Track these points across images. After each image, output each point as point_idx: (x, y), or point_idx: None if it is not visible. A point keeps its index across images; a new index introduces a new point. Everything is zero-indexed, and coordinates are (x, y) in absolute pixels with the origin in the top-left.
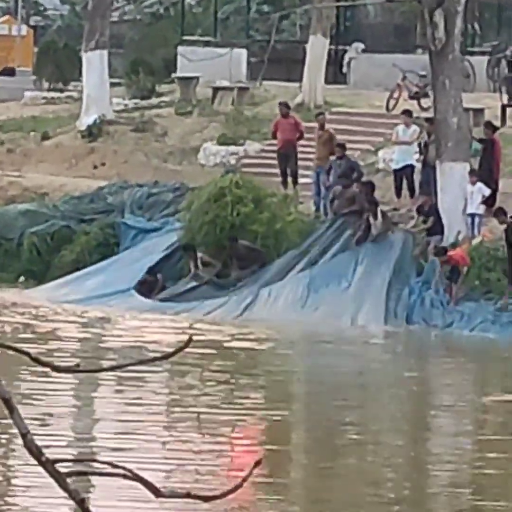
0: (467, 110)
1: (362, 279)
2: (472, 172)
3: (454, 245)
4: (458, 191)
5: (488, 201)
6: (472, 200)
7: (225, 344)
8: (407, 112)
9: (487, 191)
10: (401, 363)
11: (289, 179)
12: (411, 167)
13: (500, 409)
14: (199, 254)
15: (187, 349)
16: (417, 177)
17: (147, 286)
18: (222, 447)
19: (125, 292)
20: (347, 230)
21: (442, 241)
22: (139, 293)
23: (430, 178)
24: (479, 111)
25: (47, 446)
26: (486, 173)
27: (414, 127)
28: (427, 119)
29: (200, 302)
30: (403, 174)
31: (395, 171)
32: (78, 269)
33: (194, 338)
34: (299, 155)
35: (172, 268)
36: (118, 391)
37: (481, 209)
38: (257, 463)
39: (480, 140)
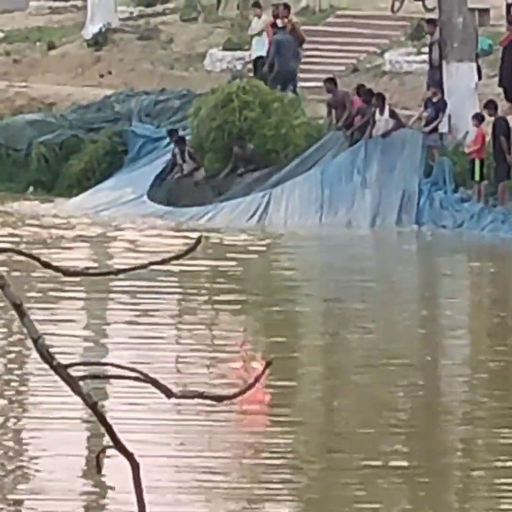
0: (472, 10)
1: (372, 177)
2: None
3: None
4: (464, 91)
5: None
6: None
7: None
8: None
9: None
10: (413, 263)
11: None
12: None
13: None
14: (187, 147)
15: (198, 258)
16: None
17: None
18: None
19: (136, 199)
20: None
21: (438, 141)
22: (151, 199)
23: (436, 79)
24: (484, 11)
25: (60, 352)
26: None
27: None
28: (428, 21)
29: (214, 205)
30: None
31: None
32: (87, 178)
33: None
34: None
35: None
36: (131, 298)
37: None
38: (268, 364)
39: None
